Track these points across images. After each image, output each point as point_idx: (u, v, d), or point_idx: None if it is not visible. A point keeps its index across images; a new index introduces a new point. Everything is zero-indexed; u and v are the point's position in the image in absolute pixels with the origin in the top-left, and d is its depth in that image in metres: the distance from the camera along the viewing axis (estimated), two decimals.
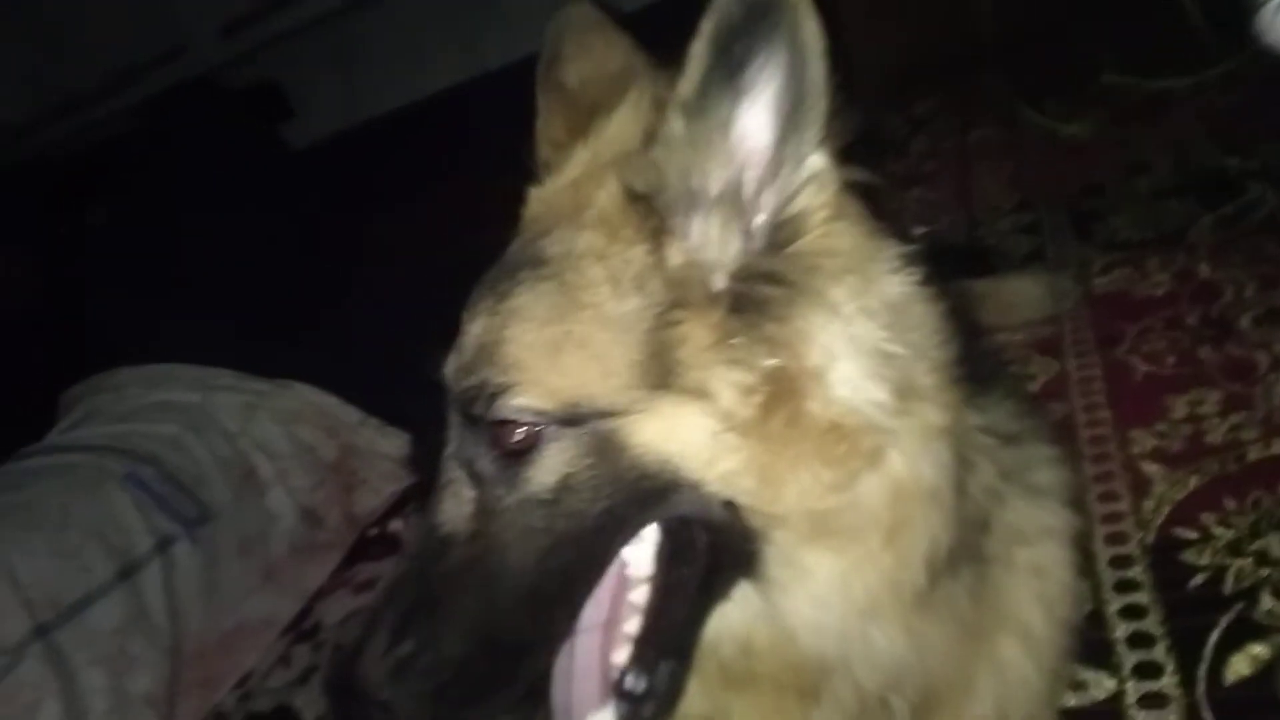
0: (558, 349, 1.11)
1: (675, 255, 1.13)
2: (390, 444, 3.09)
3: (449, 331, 1.23)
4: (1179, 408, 2.06)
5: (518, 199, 1.35)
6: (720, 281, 1.12)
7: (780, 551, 1.14)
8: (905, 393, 1.13)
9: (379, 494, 3.04)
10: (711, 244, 1.12)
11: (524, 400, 1.10)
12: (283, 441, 2.87)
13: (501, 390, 1.10)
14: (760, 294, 1.11)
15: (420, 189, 4.29)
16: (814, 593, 1.15)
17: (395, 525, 2.95)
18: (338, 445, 3.01)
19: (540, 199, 1.32)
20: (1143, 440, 2.02)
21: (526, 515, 1.12)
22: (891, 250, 1.18)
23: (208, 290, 3.25)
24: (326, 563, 2.84)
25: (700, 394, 1.09)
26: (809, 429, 1.10)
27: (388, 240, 3.99)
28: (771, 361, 1.09)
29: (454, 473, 1.17)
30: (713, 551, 1.15)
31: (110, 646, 2.21)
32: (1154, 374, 2.20)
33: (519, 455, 1.11)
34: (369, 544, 2.91)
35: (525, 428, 1.10)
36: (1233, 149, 2.73)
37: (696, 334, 1.10)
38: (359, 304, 3.50)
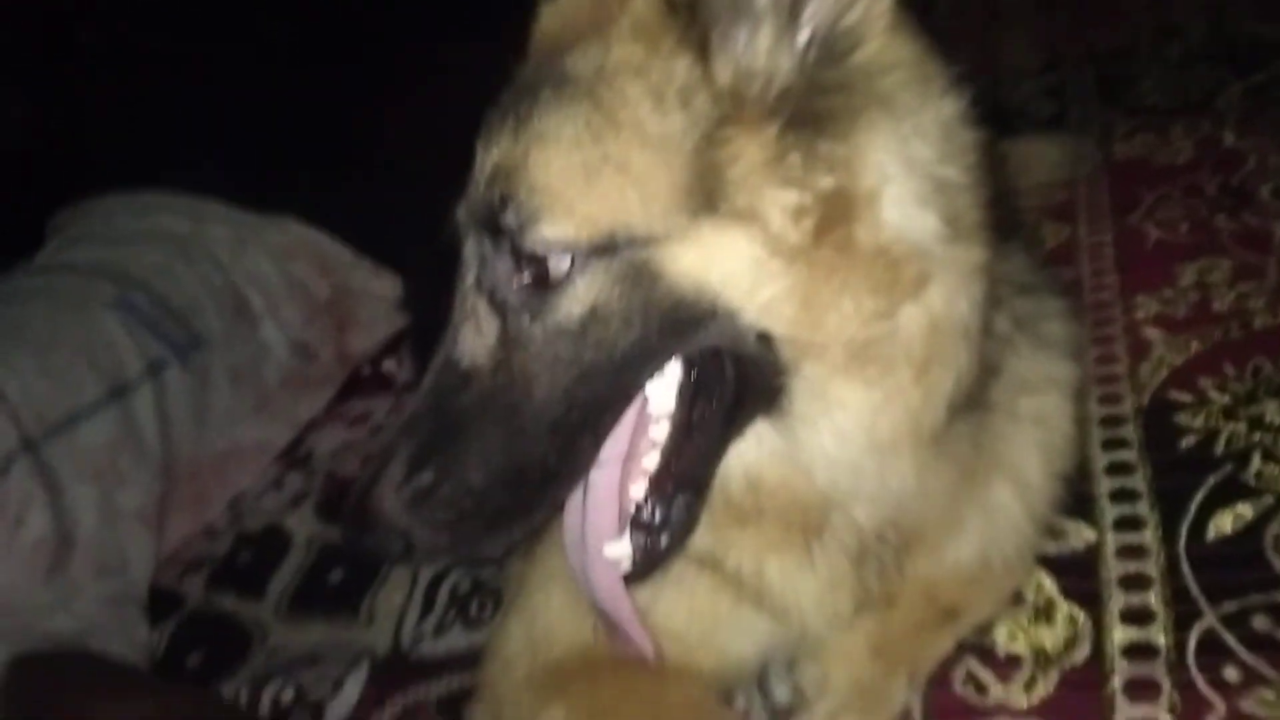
0: (593, 173, 1.04)
1: (723, 68, 1.04)
2: (383, 285, 3.04)
3: (460, 175, 1.16)
4: (1188, 275, 2.03)
5: None
6: (774, 95, 1.04)
7: (809, 385, 1.12)
8: (953, 222, 1.09)
9: (371, 334, 3.01)
10: (762, 55, 1.04)
11: (555, 231, 1.04)
12: (274, 276, 2.82)
13: (530, 217, 1.04)
14: (818, 108, 1.04)
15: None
16: (839, 427, 1.14)
17: (388, 365, 2.93)
18: (330, 284, 2.96)
19: (555, 13, 1.22)
20: (1147, 305, 1.99)
21: (553, 346, 1.07)
22: (943, 69, 1.12)
23: (203, 117, 3.14)
24: (319, 396, 2.82)
25: (748, 217, 1.03)
26: (857, 255, 1.06)
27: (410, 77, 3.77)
28: (827, 181, 1.04)
29: (473, 305, 1.12)
30: (738, 386, 1.13)
31: (100, 462, 2.20)
32: (1166, 241, 2.16)
33: (547, 284, 1.06)
34: (362, 381, 2.90)
35: (554, 256, 1.05)
36: (1270, 14, 2.61)
37: (749, 152, 1.03)
38: (361, 144, 3.39)
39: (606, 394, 1.10)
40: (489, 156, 1.11)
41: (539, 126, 1.07)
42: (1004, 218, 1.24)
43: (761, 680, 1.41)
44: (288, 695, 1.79)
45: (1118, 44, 2.86)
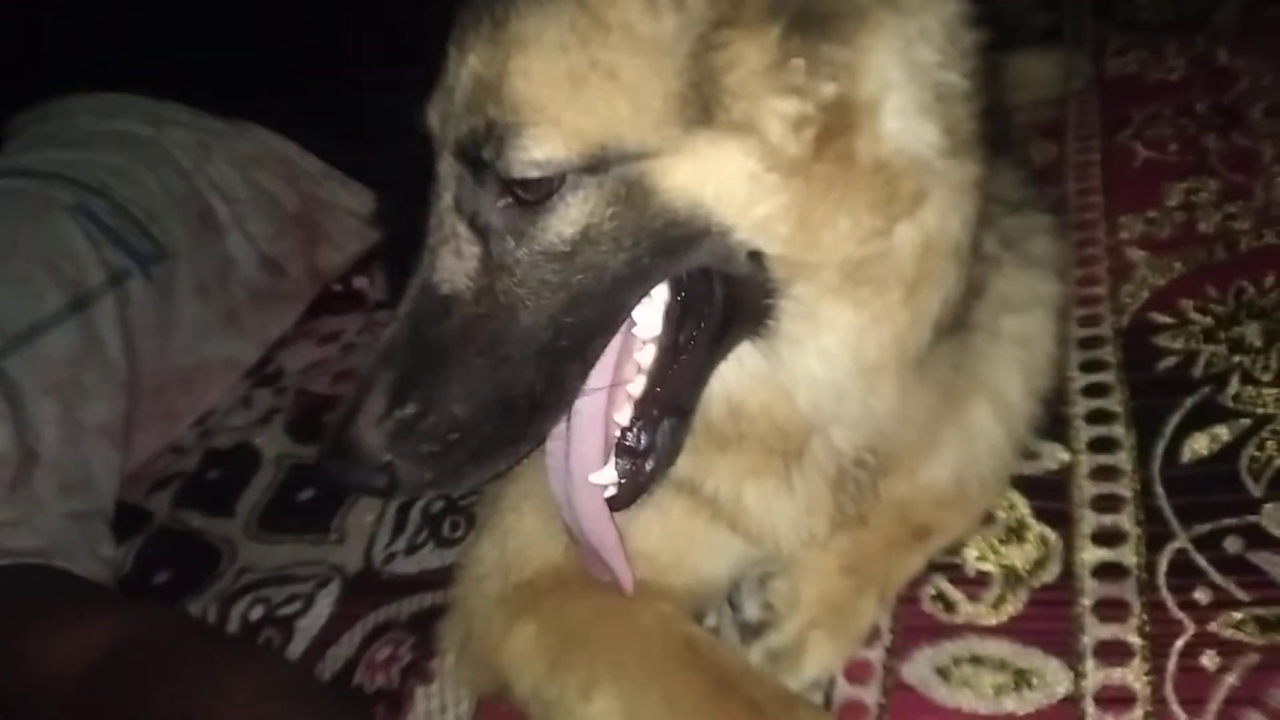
0: (580, 81, 0.96)
1: None
2: (354, 199, 2.96)
3: (428, 78, 1.09)
4: (1174, 195, 2.00)
5: None
6: None
7: (798, 305, 1.08)
8: (952, 134, 1.05)
9: (342, 250, 2.94)
10: None
11: (541, 149, 0.96)
12: (240, 186, 2.73)
13: (513, 133, 0.97)
14: (821, 8, 0.98)
15: None
16: (825, 349, 1.11)
17: (360, 281, 2.87)
18: (299, 195, 2.87)
19: None
20: (1132, 225, 1.97)
21: (540, 270, 1.02)
22: None
23: (165, 19, 3.01)
24: (288, 312, 2.76)
25: (745, 129, 0.98)
26: (856, 169, 1.01)
27: None
28: (830, 88, 0.98)
29: (452, 227, 1.05)
30: (727, 307, 1.08)
31: (62, 375, 2.14)
32: (1154, 160, 2.12)
33: (532, 204, 1.00)
34: (332, 298, 2.84)
35: (540, 175, 0.99)
36: None
37: (748, 56, 0.97)
38: (327, 51, 3.27)
39: (595, 319, 1.05)
40: (464, 65, 1.03)
41: (518, 29, 0.99)
42: (997, 131, 1.20)
43: (732, 597, 1.40)
44: (256, 613, 1.77)
45: None
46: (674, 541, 1.30)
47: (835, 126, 0.99)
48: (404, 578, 1.75)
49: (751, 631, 1.34)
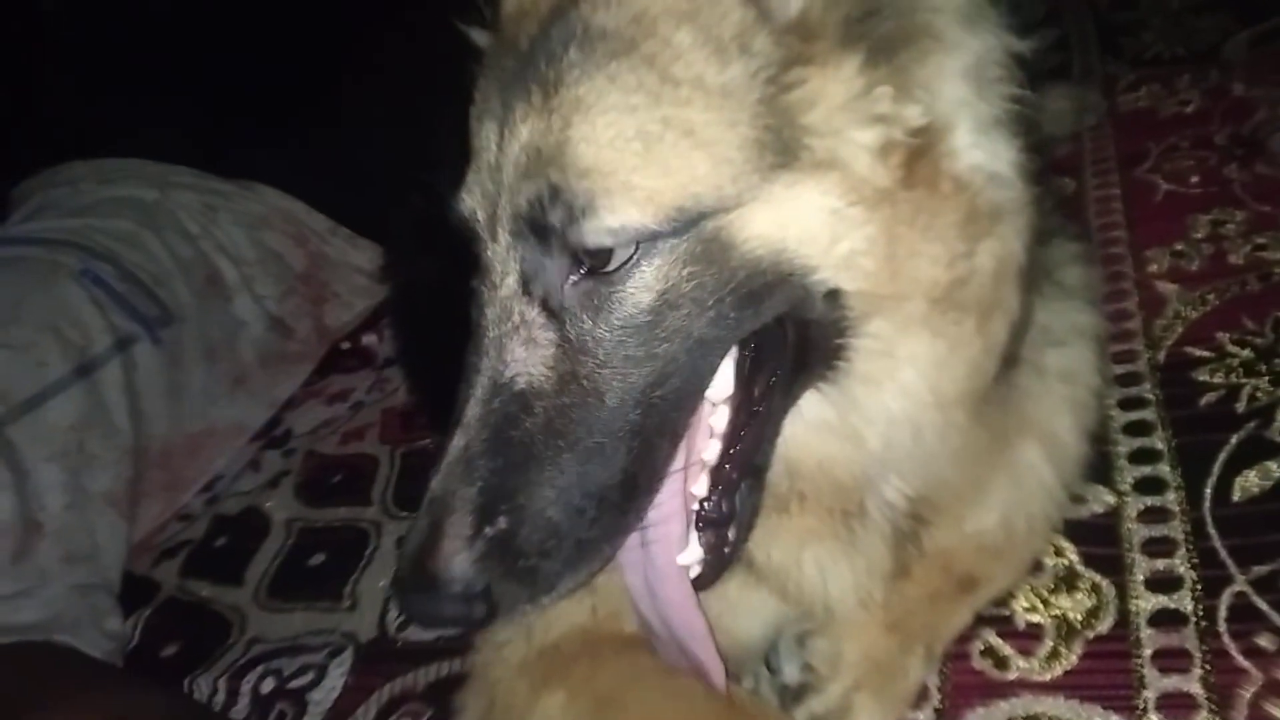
0: (653, 142, 0.91)
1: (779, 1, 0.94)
2: (361, 256, 2.94)
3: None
4: (1200, 227, 1.95)
5: None
6: (843, 22, 0.94)
7: (875, 342, 1.03)
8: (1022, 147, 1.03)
9: (350, 307, 2.91)
10: None
11: (616, 216, 0.90)
12: (247, 246, 2.71)
13: (583, 198, 0.91)
14: (892, 32, 0.95)
15: None
16: (904, 383, 1.05)
17: (368, 339, 2.84)
18: (306, 254, 2.85)
19: None
20: (1160, 259, 1.92)
21: (623, 345, 0.95)
22: None
23: (169, 83, 3.01)
24: (297, 373, 2.73)
25: (827, 165, 0.93)
26: (941, 190, 0.98)
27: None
28: (914, 111, 0.95)
29: (521, 315, 0.98)
30: (798, 352, 1.03)
31: (67, 443, 2.10)
32: (1176, 193, 2.08)
33: (608, 276, 0.94)
34: (341, 356, 2.80)
35: (614, 243, 0.93)
36: None
37: (829, 92, 0.93)
38: (332, 107, 3.27)
39: (682, 387, 0.98)
40: (514, 138, 0.96)
41: (577, 93, 0.93)
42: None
43: (770, 658, 1.33)
44: (268, 685, 1.71)
45: None
46: (711, 606, 1.23)
47: (921, 149, 0.96)
48: (419, 645, 1.68)
49: (792, 695, 1.27)
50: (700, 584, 1.06)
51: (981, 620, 1.35)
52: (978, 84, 0.99)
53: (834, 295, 0.99)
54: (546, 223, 0.93)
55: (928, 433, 1.08)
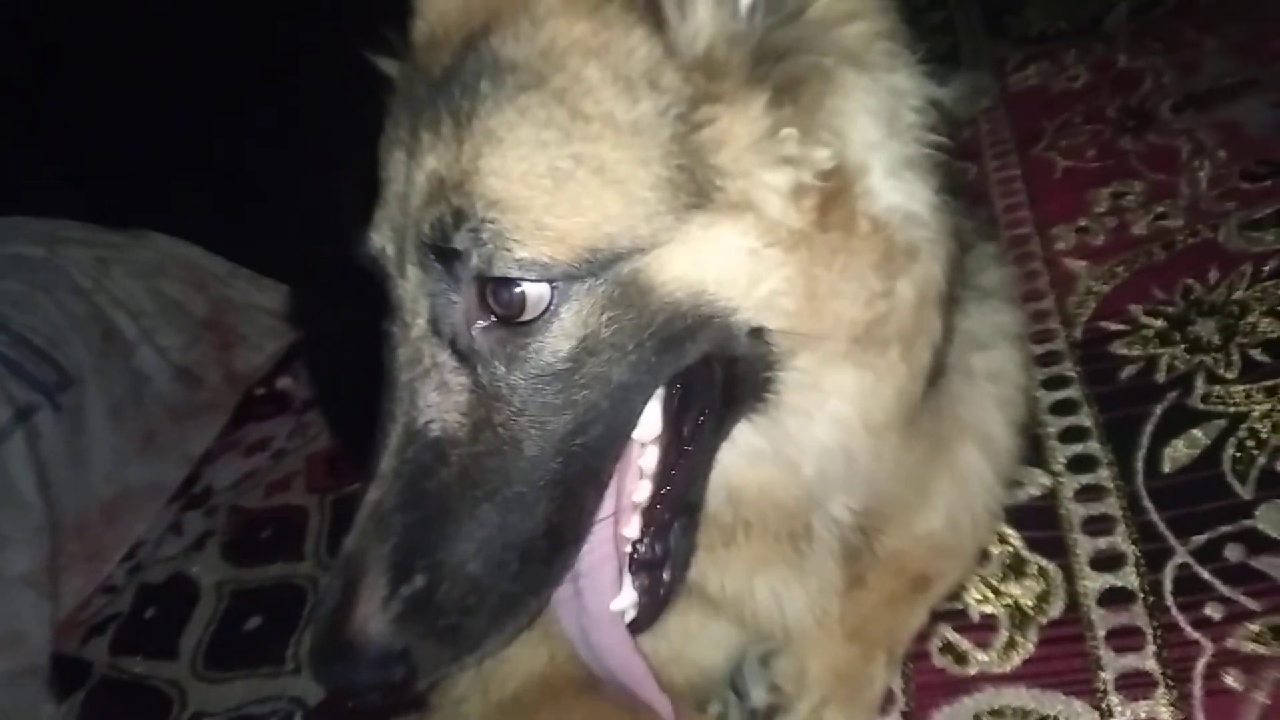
0: (564, 178, 0.88)
1: (686, 36, 0.91)
2: (266, 297, 2.85)
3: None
4: (1102, 201, 2.01)
5: None
6: (746, 60, 0.91)
7: (802, 376, 1.01)
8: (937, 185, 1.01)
9: (260, 351, 2.82)
10: (716, 18, 0.91)
11: (527, 251, 0.87)
12: (144, 297, 2.61)
13: (494, 237, 0.87)
14: (794, 73, 0.93)
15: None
16: (833, 413, 1.04)
17: (283, 382, 2.75)
18: (208, 299, 2.75)
19: None
20: (1065, 236, 1.97)
21: (540, 393, 0.92)
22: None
23: (52, 135, 2.87)
24: (211, 425, 2.63)
25: (741, 207, 0.91)
26: (858, 232, 0.96)
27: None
28: (825, 154, 0.93)
29: (432, 357, 0.94)
30: (727, 389, 1.01)
31: None
32: (1074, 169, 2.14)
33: (522, 322, 0.90)
34: (256, 403, 2.71)
35: (528, 286, 0.89)
36: None
37: (737, 132, 0.91)
38: (229, 144, 3.14)
39: (604, 434, 0.95)
40: (419, 168, 0.93)
41: (488, 125, 0.90)
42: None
43: (736, 683, 1.32)
44: None
45: None
46: (670, 640, 1.22)
47: (834, 192, 0.94)
48: (372, 706, 1.62)
49: (761, 717, 1.26)
50: (637, 627, 1.04)
51: (937, 617, 1.37)
52: (890, 126, 0.98)
53: (758, 332, 0.97)
54: (450, 248, 0.90)
55: (862, 457, 1.08)
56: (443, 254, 0.91)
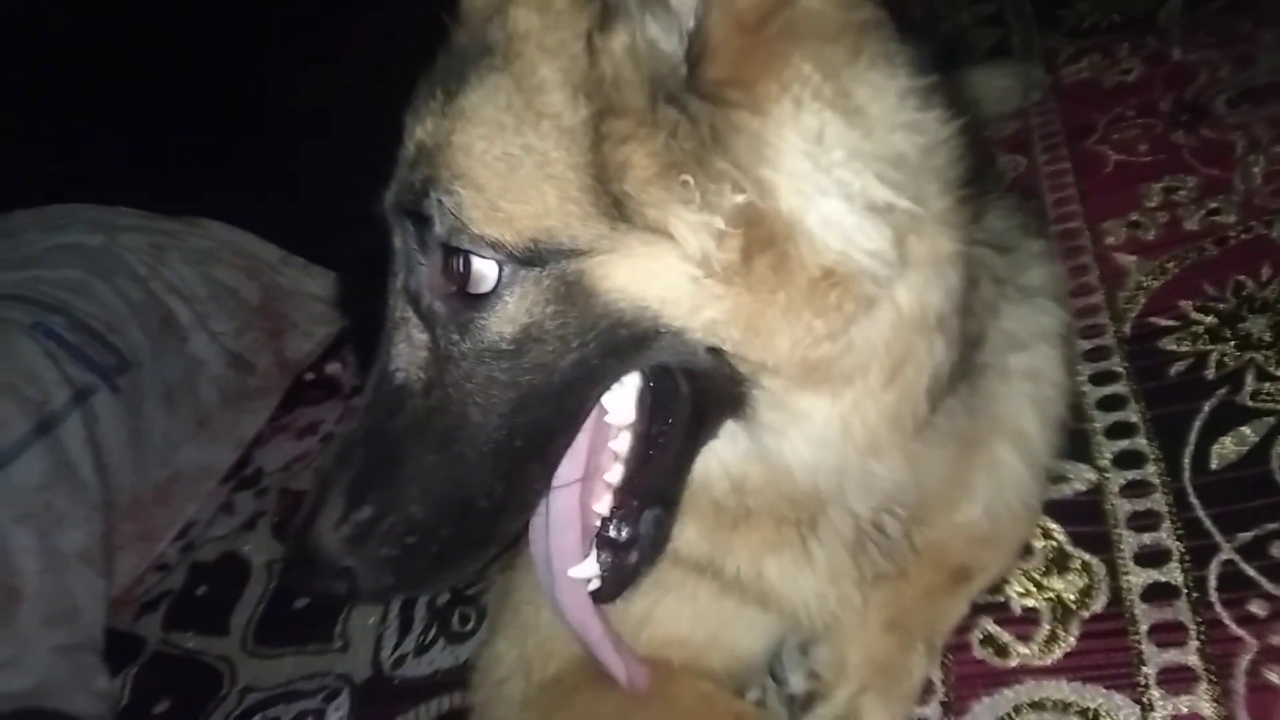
0: (516, 165, 0.92)
1: (618, 43, 0.91)
2: (316, 284, 2.90)
3: (386, 161, 1.04)
4: (1153, 195, 1.98)
5: None
6: (649, 90, 0.91)
7: (772, 396, 1.02)
8: (910, 229, 0.96)
9: (310, 337, 2.87)
10: (624, 44, 0.91)
11: (479, 226, 0.91)
12: (199, 284, 2.67)
13: (456, 205, 0.92)
14: (700, 114, 0.90)
15: None
16: (810, 435, 1.05)
17: (332, 368, 2.80)
18: (260, 286, 2.81)
19: None
20: (1116, 231, 1.94)
21: (487, 366, 0.96)
22: (873, 46, 0.96)
23: (106, 123, 2.95)
24: (261, 409, 2.69)
25: (665, 234, 0.91)
26: (797, 276, 0.93)
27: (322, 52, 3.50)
28: (738, 199, 0.91)
29: (403, 311, 1.00)
30: (697, 397, 1.02)
31: (35, 504, 2.06)
32: (1126, 163, 2.10)
33: (474, 297, 0.94)
34: (305, 388, 2.76)
35: (478, 260, 0.93)
36: None
37: (637, 161, 0.90)
38: (278, 132, 3.20)
39: (551, 419, 0.99)
40: (412, 135, 0.99)
41: (464, 103, 0.95)
42: (980, 162, 1.14)
43: (775, 670, 1.33)
44: None
45: None
46: (705, 624, 1.24)
47: (760, 238, 0.92)
48: (417, 681, 1.66)
49: (799, 704, 1.27)
50: (600, 597, 1.08)
51: (978, 609, 1.36)
52: (823, 177, 0.92)
53: (718, 351, 0.97)
54: (419, 210, 0.95)
55: (852, 472, 1.08)
56: (416, 218, 0.97)
